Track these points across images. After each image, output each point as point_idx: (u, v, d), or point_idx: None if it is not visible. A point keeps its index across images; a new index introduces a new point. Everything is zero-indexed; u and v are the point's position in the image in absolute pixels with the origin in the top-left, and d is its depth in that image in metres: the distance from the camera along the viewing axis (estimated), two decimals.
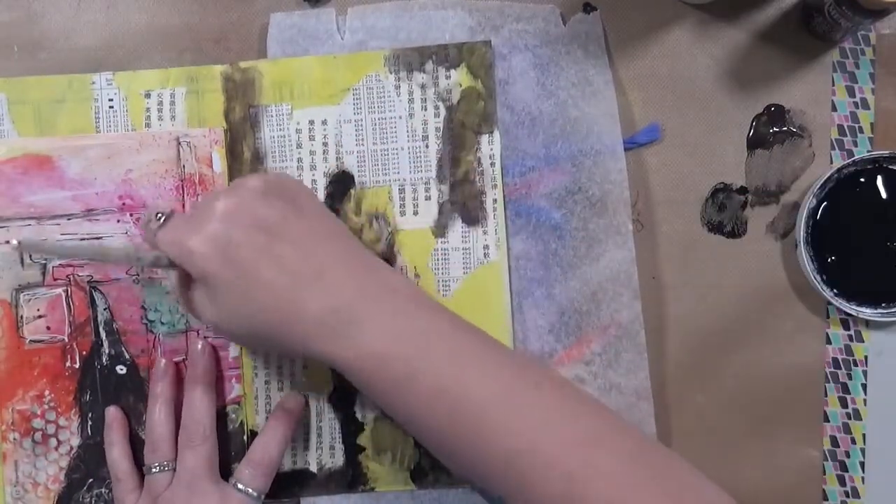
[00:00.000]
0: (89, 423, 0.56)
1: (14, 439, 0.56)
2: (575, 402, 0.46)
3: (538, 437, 0.44)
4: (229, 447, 0.56)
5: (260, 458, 0.54)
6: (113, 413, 0.56)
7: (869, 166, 0.55)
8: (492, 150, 0.56)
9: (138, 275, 0.56)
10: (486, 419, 0.44)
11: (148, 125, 0.57)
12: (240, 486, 0.53)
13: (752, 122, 0.57)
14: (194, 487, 0.52)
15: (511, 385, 0.45)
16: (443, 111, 0.57)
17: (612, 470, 0.43)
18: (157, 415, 0.54)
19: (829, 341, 0.57)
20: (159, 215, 0.48)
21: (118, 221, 0.56)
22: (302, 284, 0.46)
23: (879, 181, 0.55)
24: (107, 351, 0.56)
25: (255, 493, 0.53)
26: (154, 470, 0.53)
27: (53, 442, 0.56)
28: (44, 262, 0.56)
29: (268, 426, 0.55)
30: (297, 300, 0.46)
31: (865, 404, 0.57)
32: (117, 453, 0.55)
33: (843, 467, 0.57)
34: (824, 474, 0.57)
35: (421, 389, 0.45)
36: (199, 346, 0.55)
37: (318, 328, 0.46)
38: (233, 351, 0.56)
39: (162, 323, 0.56)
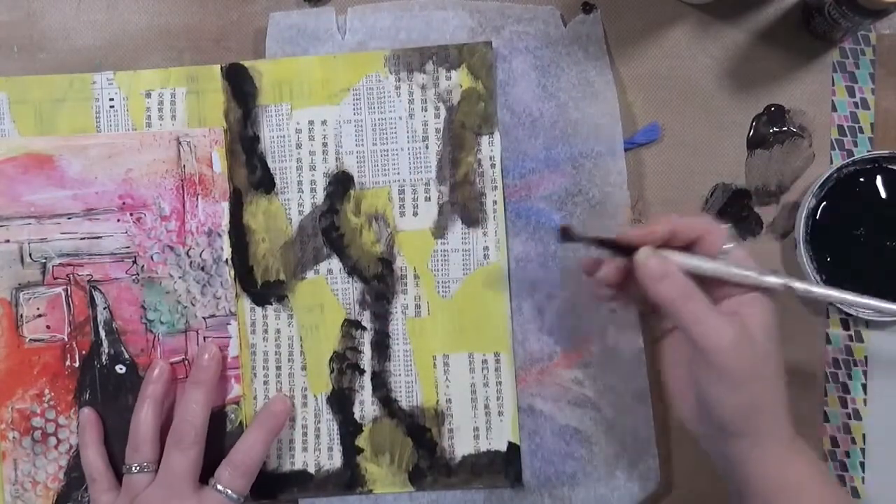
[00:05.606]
0: None
1: (13, 438, 0.56)
2: None
3: None
4: (227, 447, 0.55)
5: (241, 459, 0.53)
6: (87, 414, 0.56)
7: (869, 166, 0.55)
8: (492, 151, 0.56)
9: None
10: None
11: (148, 125, 0.57)
12: (219, 487, 0.53)
13: (752, 122, 0.57)
14: (174, 489, 0.52)
15: None
16: (443, 112, 0.57)
17: None
18: (144, 415, 0.54)
19: (829, 341, 0.57)
20: None
21: (118, 221, 0.56)
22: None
23: (879, 181, 0.55)
24: (106, 350, 0.56)
25: (234, 495, 0.53)
26: (134, 470, 0.53)
27: (53, 441, 0.56)
28: (44, 261, 0.56)
29: (251, 428, 0.55)
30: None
31: (865, 404, 0.56)
32: (92, 454, 0.55)
33: (843, 467, 0.56)
34: None
35: None
36: (210, 353, 0.55)
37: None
38: (232, 351, 0.56)
39: (161, 322, 0.56)
